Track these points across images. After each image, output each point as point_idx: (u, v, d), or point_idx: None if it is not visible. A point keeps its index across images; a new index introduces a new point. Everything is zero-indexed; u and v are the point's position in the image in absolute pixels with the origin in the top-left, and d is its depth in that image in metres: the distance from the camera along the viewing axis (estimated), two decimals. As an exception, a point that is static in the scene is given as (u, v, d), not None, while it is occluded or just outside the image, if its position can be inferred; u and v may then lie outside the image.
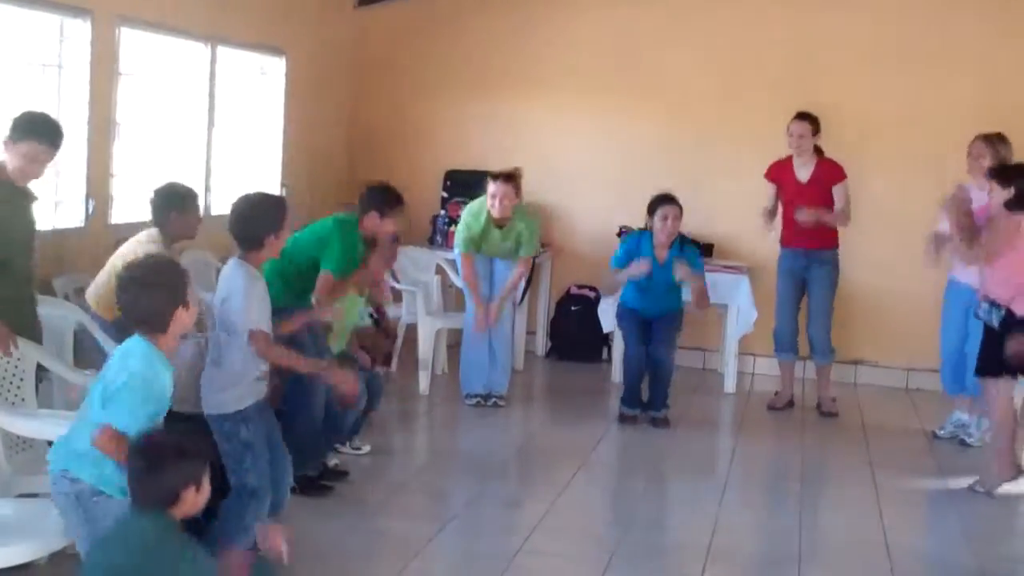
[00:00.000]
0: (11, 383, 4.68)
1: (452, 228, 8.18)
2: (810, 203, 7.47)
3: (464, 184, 8.78)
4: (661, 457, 6.75)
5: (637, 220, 7.71)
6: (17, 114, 4.89)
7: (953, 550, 5.45)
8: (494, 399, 7.45)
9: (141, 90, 6.76)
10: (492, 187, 7.17)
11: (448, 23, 9.29)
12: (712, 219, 8.17)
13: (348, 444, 6.16)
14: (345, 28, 9.27)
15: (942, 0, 8.50)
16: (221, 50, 7.44)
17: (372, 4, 9.36)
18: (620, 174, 8.92)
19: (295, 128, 8.40)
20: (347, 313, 5.74)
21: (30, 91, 5.91)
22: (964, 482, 6.25)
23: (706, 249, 8.66)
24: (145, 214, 5.59)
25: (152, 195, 5.51)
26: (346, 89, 9.23)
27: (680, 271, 7.02)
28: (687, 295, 7.26)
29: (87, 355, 5.22)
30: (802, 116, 7.57)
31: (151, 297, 3.62)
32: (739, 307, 8.09)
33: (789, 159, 7.62)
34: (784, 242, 7.75)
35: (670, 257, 7.07)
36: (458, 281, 7.77)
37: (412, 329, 7.90)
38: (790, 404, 7.87)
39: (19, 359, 4.69)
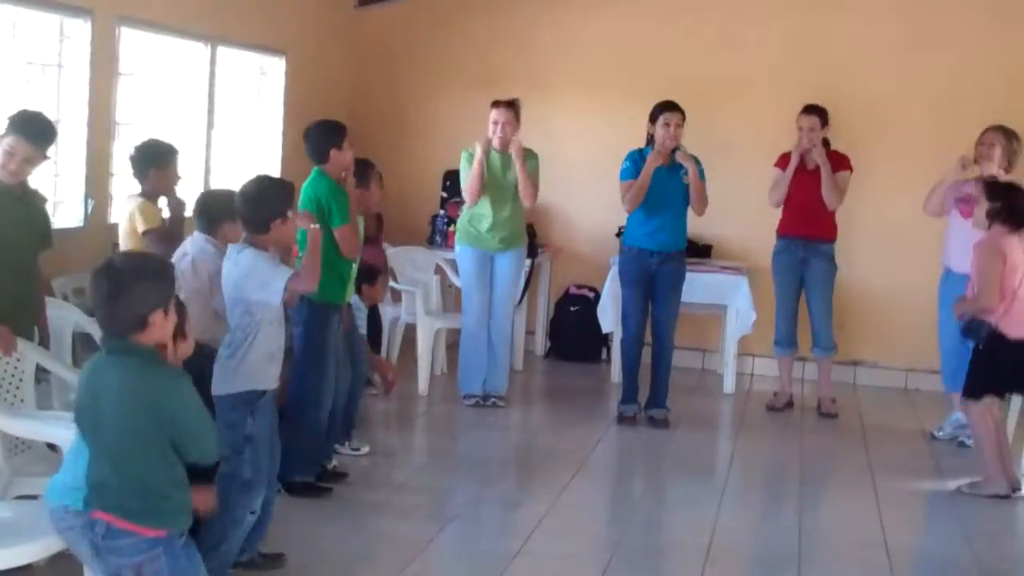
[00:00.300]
0: (11, 384, 4.68)
1: (451, 228, 8.17)
2: (816, 190, 7.48)
3: (464, 184, 8.77)
4: (660, 458, 6.75)
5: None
6: (13, 112, 4.90)
7: (953, 551, 5.44)
8: (493, 399, 7.44)
9: (141, 90, 6.76)
10: (494, 113, 7.22)
11: (448, 23, 9.29)
12: (711, 220, 8.14)
13: (347, 445, 6.16)
14: (345, 28, 9.27)
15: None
16: (221, 50, 7.44)
17: (372, 4, 9.36)
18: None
19: (295, 128, 8.37)
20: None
21: (30, 91, 5.91)
22: (964, 483, 6.24)
23: (705, 250, 8.68)
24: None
25: (132, 151, 5.57)
26: (346, 89, 9.23)
27: (681, 154, 6.99)
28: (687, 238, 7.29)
29: (87, 355, 5.22)
30: (811, 109, 7.57)
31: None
32: (738, 308, 8.09)
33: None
34: (782, 229, 7.74)
35: (673, 164, 7.01)
36: (457, 281, 7.77)
37: (411, 329, 7.90)
38: (789, 404, 7.87)
39: (18, 360, 4.69)
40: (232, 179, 7.53)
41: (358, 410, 6.29)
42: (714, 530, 5.44)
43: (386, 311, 7.87)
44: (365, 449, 6.28)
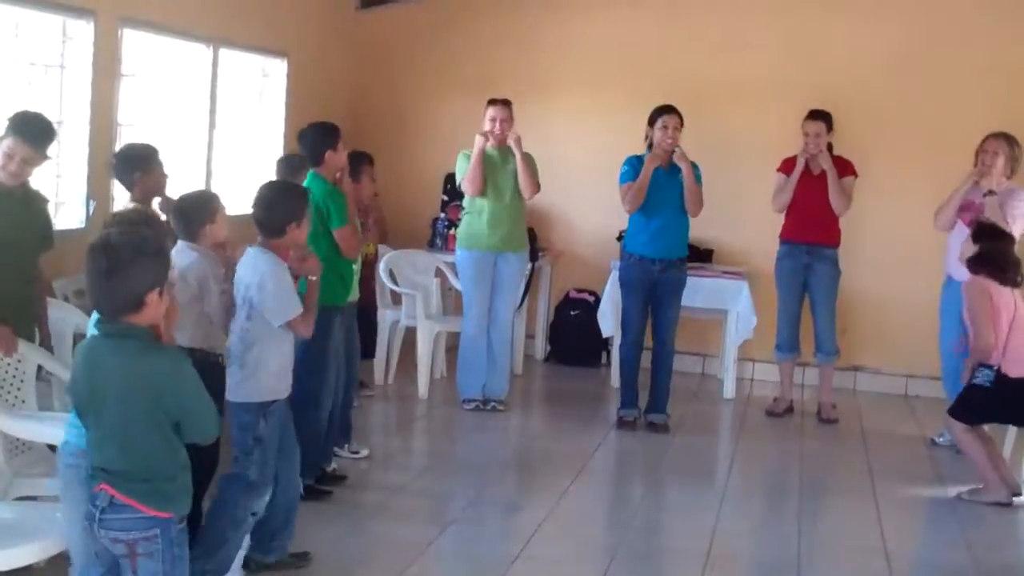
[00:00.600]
0: (12, 385, 4.68)
1: (452, 231, 8.17)
2: (820, 196, 7.49)
3: (464, 187, 8.77)
4: (660, 463, 6.75)
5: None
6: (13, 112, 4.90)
7: (952, 558, 5.43)
8: (492, 403, 7.44)
9: (143, 91, 6.75)
10: (491, 111, 7.26)
11: (449, 26, 9.29)
12: (712, 225, 8.16)
13: (346, 448, 6.16)
14: (347, 30, 9.27)
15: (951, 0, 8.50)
16: (223, 52, 7.44)
17: (374, 7, 9.36)
18: (620, 178, 8.91)
19: (296, 130, 8.36)
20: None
21: (32, 92, 5.91)
22: (964, 489, 6.24)
23: (706, 255, 8.67)
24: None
25: (112, 161, 5.48)
26: (347, 91, 9.23)
27: (678, 155, 6.99)
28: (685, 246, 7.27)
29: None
30: (816, 115, 7.57)
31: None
32: (738, 313, 8.09)
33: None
34: (786, 234, 7.74)
35: (672, 167, 7.02)
36: (457, 284, 7.76)
37: (411, 332, 7.89)
38: (789, 410, 7.86)
39: (19, 361, 4.69)
40: (232, 179, 7.56)
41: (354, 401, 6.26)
42: (713, 535, 5.43)
43: (385, 315, 7.87)
44: (364, 452, 6.28)
